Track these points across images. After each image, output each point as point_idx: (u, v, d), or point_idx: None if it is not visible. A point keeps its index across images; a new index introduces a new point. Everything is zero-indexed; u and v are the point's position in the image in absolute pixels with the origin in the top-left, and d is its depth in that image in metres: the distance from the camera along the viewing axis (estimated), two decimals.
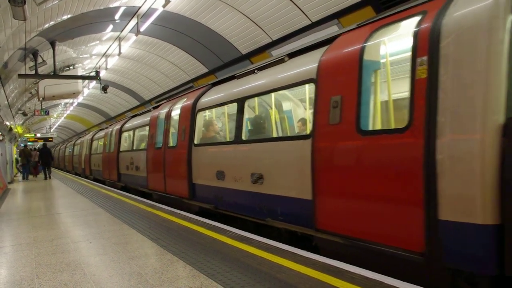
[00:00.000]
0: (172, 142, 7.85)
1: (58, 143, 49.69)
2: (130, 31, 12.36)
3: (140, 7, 10.62)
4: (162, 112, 8.66)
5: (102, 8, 10.46)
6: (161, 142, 8.27)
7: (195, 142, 6.73)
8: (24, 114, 22.46)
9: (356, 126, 3.52)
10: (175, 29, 12.35)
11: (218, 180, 5.91)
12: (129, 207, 7.50)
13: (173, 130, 7.98)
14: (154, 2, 9.63)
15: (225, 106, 6.35)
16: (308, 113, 6.02)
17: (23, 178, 19.37)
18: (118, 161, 12.12)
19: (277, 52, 10.16)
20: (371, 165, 3.40)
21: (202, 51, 12.96)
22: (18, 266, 3.83)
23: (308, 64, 4.39)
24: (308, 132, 4.77)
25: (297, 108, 6.62)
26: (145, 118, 10.17)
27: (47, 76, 13.37)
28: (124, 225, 5.61)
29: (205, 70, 13.85)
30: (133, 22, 11.50)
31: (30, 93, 18.91)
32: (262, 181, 4.88)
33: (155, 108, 9.91)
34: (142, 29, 11.12)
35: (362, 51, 3.61)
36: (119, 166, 12.05)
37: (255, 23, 10.14)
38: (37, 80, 14.10)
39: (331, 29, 8.43)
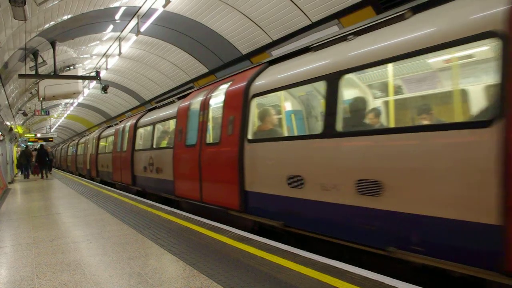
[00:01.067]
0: (212, 137, 6.34)
1: (59, 143, 49.72)
2: (131, 31, 12.40)
3: (140, 7, 10.64)
4: (195, 101, 7.03)
5: (102, 8, 10.47)
6: (195, 138, 6.72)
7: (249, 137, 5.24)
8: (25, 114, 22.47)
9: None
10: (175, 29, 12.36)
11: (290, 188, 4.47)
12: (130, 207, 7.50)
13: (213, 122, 6.48)
14: (155, 2, 9.65)
15: (298, 88, 4.86)
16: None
17: (24, 178, 19.46)
18: (133, 161, 10.53)
19: (277, 52, 10.17)
20: None
21: (202, 51, 12.97)
22: (18, 266, 3.83)
23: (474, 12, 2.90)
24: (480, 116, 3.10)
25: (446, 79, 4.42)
26: (170, 110, 8.49)
27: (48, 76, 13.38)
28: (124, 225, 5.62)
29: (205, 70, 13.88)
30: (133, 22, 11.53)
31: (31, 93, 18.93)
32: (379, 191, 3.44)
33: (180, 98, 8.49)
34: (142, 29, 11.14)
35: None
36: (134, 168, 10.45)
37: (255, 23, 10.15)
38: (38, 80, 14.11)
39: (331, 29, 8.45)
